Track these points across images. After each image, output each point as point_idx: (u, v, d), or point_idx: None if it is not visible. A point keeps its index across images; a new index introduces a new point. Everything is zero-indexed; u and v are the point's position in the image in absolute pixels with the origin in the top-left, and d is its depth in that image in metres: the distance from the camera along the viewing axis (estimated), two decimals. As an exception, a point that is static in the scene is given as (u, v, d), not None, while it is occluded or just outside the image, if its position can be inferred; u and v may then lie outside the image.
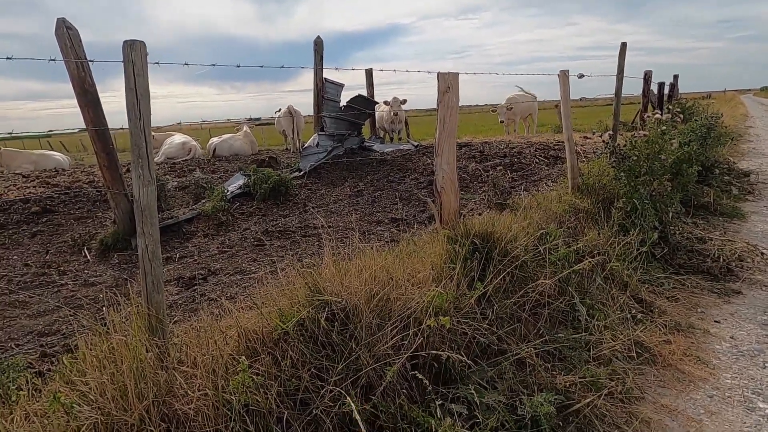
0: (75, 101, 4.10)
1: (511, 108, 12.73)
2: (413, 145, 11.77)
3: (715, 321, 3.43)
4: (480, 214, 4.12)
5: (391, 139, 13.08)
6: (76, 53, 3.98)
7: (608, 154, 4.63)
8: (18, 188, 7.78)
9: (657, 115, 4.19)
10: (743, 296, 3.84)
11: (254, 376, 1.61)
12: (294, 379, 1.73)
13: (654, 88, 10.58)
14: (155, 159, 13.48)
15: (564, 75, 4.48)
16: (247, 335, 1.77)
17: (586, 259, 3.46)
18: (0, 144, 14.06)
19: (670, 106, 4.23)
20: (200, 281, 3.69)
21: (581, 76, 4.96)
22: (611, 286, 3.48)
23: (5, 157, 12.67)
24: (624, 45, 5.61)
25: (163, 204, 5.44)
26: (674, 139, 4.18)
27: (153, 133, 10.93)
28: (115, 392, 1.44)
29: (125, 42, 1.67)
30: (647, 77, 6.93)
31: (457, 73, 3.10)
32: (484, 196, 4.16)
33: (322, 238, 4.66)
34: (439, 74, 3.08)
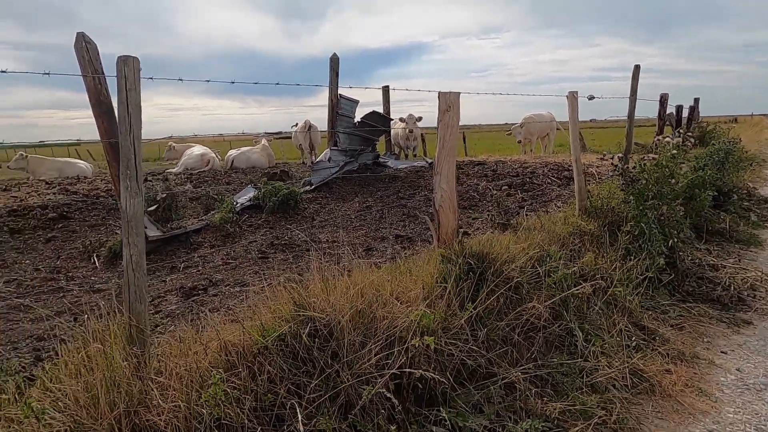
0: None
1: (523, 126, 12.71)
2: (427, 162, 11.80)
3: (722, 352, 3.32)
4: (484, 233, 4.09)
5: (406, 155, 13.12)
6: (94, 67, 4.11)
7: (618, 177, 4.57)
8: (39, 194, 8.02)
9: (667, 139, 4.12)
10: (753, 327, 3.72)
11: (228, 390, 1.62)
12: (270, 394, 1.73)
13: (673, 110, 10.46)
14: (175, 169, 13.80)
15: (572, 96, 4.46)
16: (227, 348, 1.77)
17: (587, 282, 3.40)
18: (28, 151, 14.56)
19: (681, 130, 4.16)
20: (200, 292, 3.72)
21: (591, 97, 4.92)
22: (612, 312, 3.40)
23: (32, 164, 13.09)
24: (637, 67, 5.56)
25: (174, 214, 5.54)
26: (684, 163, 4.10)
27: (174, 144, 11.23)
28: (87, 400, 1.45)
29: (119, 58, 1.72)
30: (663, 100, 6.84)
31: (458, 93, 3.12)
32: (488, 215, 4.13)
33: (326, 252, 4.70)
34: (440, 93, 3.10)
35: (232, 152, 14.54)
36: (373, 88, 7.61)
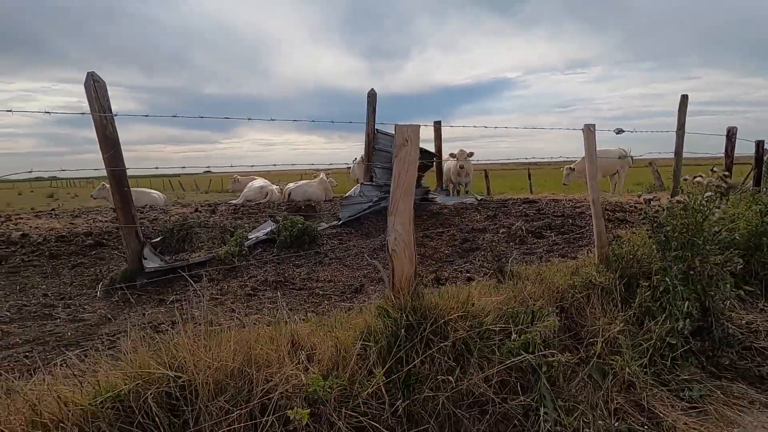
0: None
1: (573, 169, 11.79)
2: (477, 198, 11.31)
3: (754, 450, 2.61)
4: (469, 281, 3.66)
5: (458, 192, 12.72)
6: (100, 103, 4.31)
7: (647, 222, 3.94)
8: (93, 221, 8.60)
9: (698, 179, 3.48)
10: (810, 418, 2.91)
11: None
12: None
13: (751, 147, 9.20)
14: (236, 201, 14.43)
15: (588, 129, 3.95)
16: (40, 411, 1.58)
17: (582, 346, 2.87)
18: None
19: (718, 168, 3.50)
20: (168, 329, 3.62)
21: (620, 131, 4.34)
22: (609, 386, 2.81)
23: (105, 192, 14.33)
24: (685, 97, 4.87)
25: (187, 245, 5.61)
26: (719, 208, 3.41)
27: (239, 177, 11.72)
28: None
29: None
30: (731, 134, 5.98)
31: (418, 126, 2.82)
32: (479, 262, 3.69)
33: (313, 293, 4.46)
34: (396, 126, 2.81)
35: (290, 185, 14.96)
36: (415, 124, 7.38)
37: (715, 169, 3.45)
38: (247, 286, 4.69)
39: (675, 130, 4.89)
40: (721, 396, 2.99)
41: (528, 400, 2.43)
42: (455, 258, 5.34)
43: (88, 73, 4.31)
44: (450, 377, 2.30)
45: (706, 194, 3.50)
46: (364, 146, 8.68)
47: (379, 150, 8.62)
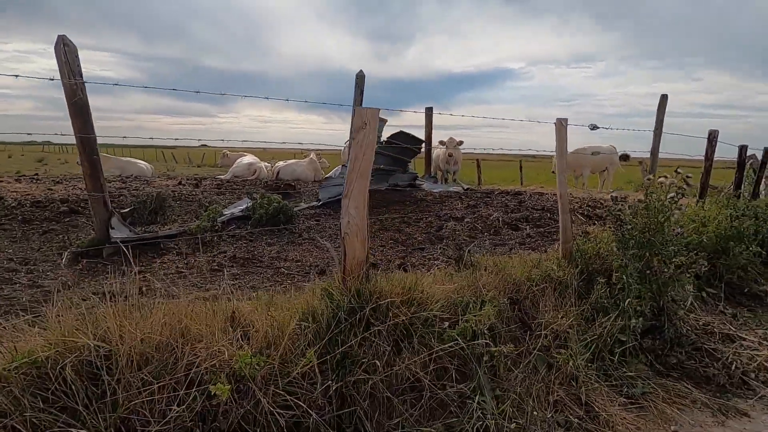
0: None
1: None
2: (463, 187, 11.31)
3: (686, 448, 2.66)
4: (428, 270, 3.67)
5: (446, 179, 12.70)
6: (70, 68, 4.23)
7: (612, 219, 3.95)
8: (73, 188, 8.53)
9: (661, 179, 3.48)
10: (749, 420, 2.97)
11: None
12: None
13: (759, 153, 9.23)
14: (224, 176, 14.33)
15: (560, 124, 3.94)
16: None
17: (530, 336, 2.90)
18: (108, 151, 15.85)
19: (681, 169, 3.51)
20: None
21: (594, 127, 4.32)
22: (552, 379, 2.85)
23: (98, 161, 14.20)
24: (664, 97, 4.85)
25: (159, 218, 5.58)
26: (679, 209, 3.42)
27: (228, 152, 11.65)
28: None
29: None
30: (712, 137, 5.98)
31: (377, 109, 2.79)
32: (441, 250, 3.69)
33: (279, 271, 4.47)
34: (355, 109, 2.79)
35: (280, 164, 14.87)
36: (409, 111, 7.37)
37: (679, 170, 3.45)
38: (214, 262, 4.68)
39: (653, 129, 4.88)
40: (664, 394, 3.04)
41: (465, 388, 2.45)
42: (427, 245, 5.35)
43: (58, 36, 4.22)
44: (386, 361, 2.31)
45: (669, 195, 3.51)
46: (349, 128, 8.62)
47: (364, 133, 8.56)
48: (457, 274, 3.32)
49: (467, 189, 11.06)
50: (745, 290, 5.03)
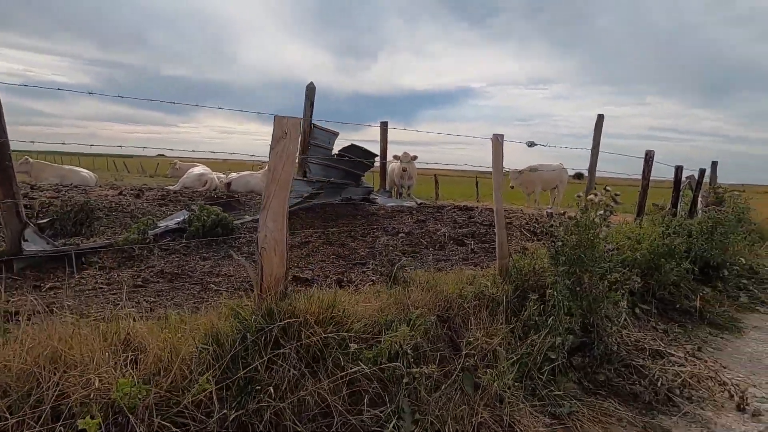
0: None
1: (521, 172, 12.10)
2: (416, 202, 11.31)
3: (607, 469, 2.61)
4: (363, 287, 3.55)
5: (400, 194, 12.68)
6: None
7: (547, 236, 3.95)
8: None
9: (591, 196, 3.51)
10: (672, 437, 2.97)
11: None
12: None
13: (694, 174, 9.70)
14: (173, 187, 13.81)
15: (496, 140, 3.93)
16: None
17: (462, 356, 2.80)
18: (39, 157, 14.98)
19: (610, 187, 3.54)
20: (29, 318, 3.31)
21: (531, 144, 4.37)
22: (478, 400, 2.76)
23: (35, 169, 13.39)
24: (600, 117, 4.97)
25: (85, 229, 5.24)
26: (607, 226, 3.45)
27: (178, 162, 11.18)
28: None
29: None
30: (648, 158, 6.17)
31: (299, 119, 2.67)
32: (372, 266, 3.58)
33: (210, 287, 4.24)
34: (276, 118, 2.66)
35: (233, 175, 14.47)
36: (365, 125, 7.28)
37: (608, 188, 3.48)
38: (139, 277, 4.40)
39: (590, 148, 5.00)
40: (590, 413, 3.00)
41: (381, 413, 2.32)
42: (370, 260, 5.23)
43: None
44: (294, 385, 2.16)
45: (599, 212, 3.54)
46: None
47: (315, 145, 8.43)
48: (386, 291, 3.21)
49: (420, 204, 11.07)
50: (677, 306, 5.16)
